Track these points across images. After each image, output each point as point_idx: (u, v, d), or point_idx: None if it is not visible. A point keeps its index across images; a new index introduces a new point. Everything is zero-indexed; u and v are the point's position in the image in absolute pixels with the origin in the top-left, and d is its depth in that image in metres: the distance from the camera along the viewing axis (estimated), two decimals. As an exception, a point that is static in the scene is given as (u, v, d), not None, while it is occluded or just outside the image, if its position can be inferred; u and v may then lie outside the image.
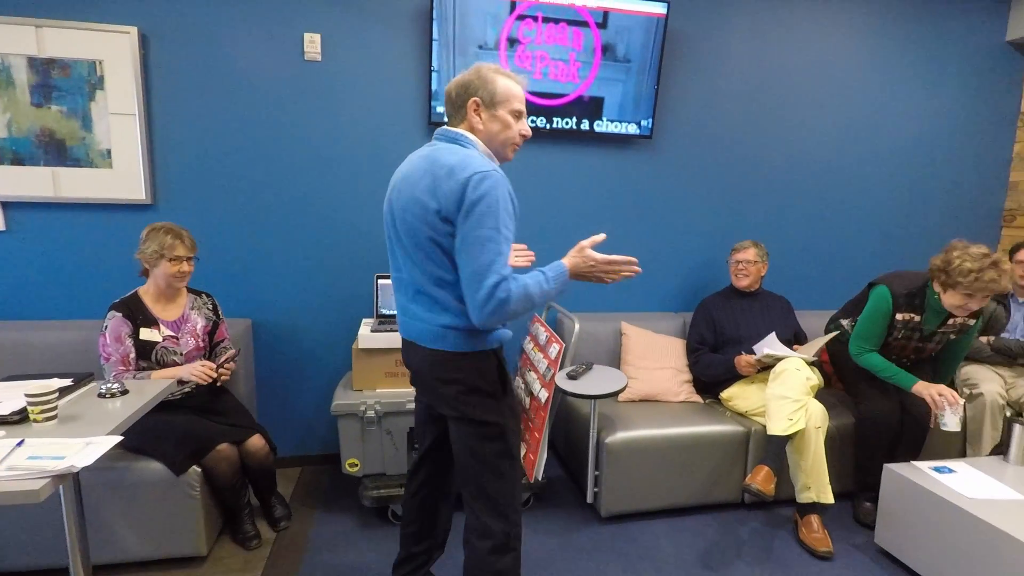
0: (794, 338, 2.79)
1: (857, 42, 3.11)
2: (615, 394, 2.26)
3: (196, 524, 2.02)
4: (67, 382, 1.73)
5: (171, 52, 2.45)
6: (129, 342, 2.06)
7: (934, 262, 2.27)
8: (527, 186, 2.88)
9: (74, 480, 1.56)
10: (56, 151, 2.40)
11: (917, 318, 2.36)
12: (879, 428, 2.41)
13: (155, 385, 1.85)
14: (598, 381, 2.33)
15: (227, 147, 2.55)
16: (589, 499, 2.40)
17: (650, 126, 2.85)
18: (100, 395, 1.71)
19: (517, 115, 1.51)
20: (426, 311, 1.49)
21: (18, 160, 2.38)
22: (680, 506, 2.48)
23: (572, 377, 2.33)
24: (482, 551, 1.56)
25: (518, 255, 1.64)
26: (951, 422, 2.18)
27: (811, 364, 2.44)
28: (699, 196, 3.09)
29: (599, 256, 1.51)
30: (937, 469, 2.20)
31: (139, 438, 1.97)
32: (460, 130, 1.50)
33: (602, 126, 2.80)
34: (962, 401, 2.20)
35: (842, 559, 2.23)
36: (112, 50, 2.38)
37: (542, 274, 1.45)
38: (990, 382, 2.68)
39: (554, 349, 2.37)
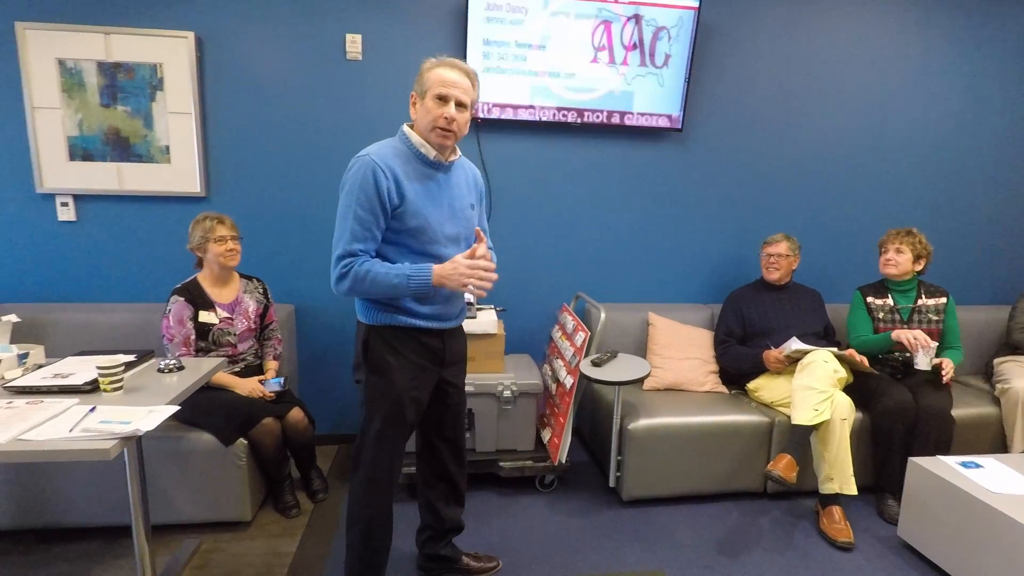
0: (824, 332, 2.78)
1: (895, 30, 3.06)
2: (637, 381, 2.33)
3: (242, 491, 2.20)
4: (131, 357, 1.91)
5: (224, 54, 2.63)
6: (190, 324, 2.24)
7: None
8: (558, 179, 2.96)
9: (137, 444, 1.73)
10: (121, 148, 2.61)
11: (889, 301, 2.71)
12: (894, 421, 2.42)
13: (208, 363, 2.02)
14: (621, 368, 2.40)
15: (274, 143, 2.72)
16: (611, 483, 2.47)
17: (681, 119, 2.88)
18: (159, 370, 1.89)
19: (440, 100, 1.56)
20: None
21: (88, 156, 2.60)
22: (701, 493, 2.53)
23: (596, 364, 2.40)
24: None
25: (471, 271, 1.55)
26: (923, 362, 2.44)
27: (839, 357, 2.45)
28: (730, 188, 3.11)
29: (464, 263, 1.55)
30: (964, 464, 2.18)
31: (192, 411, 2.15)
32: (404, 124, 1.66)
33: (633, 119, 2.85)
34: (934, 345, 2.46)
35: (864, 551, 2.25)
36: (171, 54, 2.57)
37: (405, 270, 1.54)
38: (1021, 378, 2.64)
39: (580, 337, 2.46)
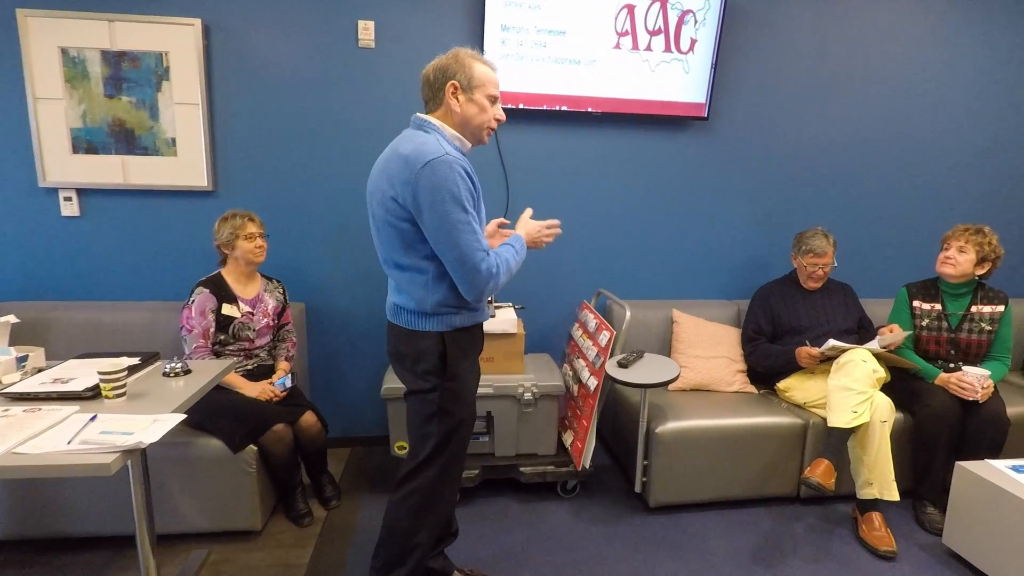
0: (857, 326, 2.65)
1: (932, 14, 2.91)
2: (668, 383, 2.22)
3: (252, 500, 2.10)
4: (135, 360, 1.82)
5: (231, 42, 2.52)
6: (211, 317, 2.19)
7: None
8: (578, 170, 2.83)
9: (141, 454, 1.63)
10: (126, 140, 2.51)
11: (938, 306, 2.47)
12: (940, 426, 2.28)
13: (216, 365, 1.92)
14: (650, 369, 2.29)
15: (284, 135, 2.61)
16: (638, 489, 2.36)
17: (707, 107, 2.75)
18: (165, 374, 1.79)
19: (492, 100, 1.57)
20: (391, 288, 1.64)
21: (92, 149, 2.50)
22: (732, 498, 2.42)
23: (623, 365, 2.29)
24: (397, 497, 1.67)
25: (549, 230, 1.74)
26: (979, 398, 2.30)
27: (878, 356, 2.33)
28: (757, 179, 2.97)
29: (540, 223, 1.72)
30: (1015, 468, 2.06)
31: (200, 415, 2.06)
32: (427, 117, 1.56)
33: (656, 107, 2.72)
34: (986, 373, 2.28)
35: (906, 559, 2.13)
36: (177, 42, 2.46)
37: (511, 247, 1.59)
38: None
39: (604, 336, 2.34)
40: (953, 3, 2.92)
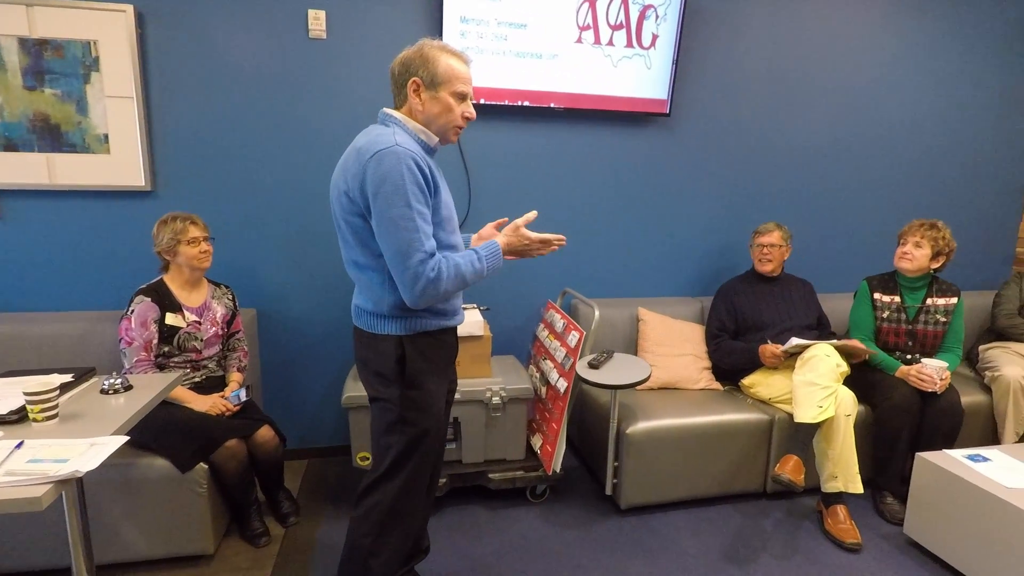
0: (817, 323, 2.70)
1: (883, 13, 2.98)
2: (640, 383, 2.19)
3: (203, 522, 1.95)
4: (68, 378, 1.65)
5: (170, 31, 2.34)
6: (154, 327, 2.02)
7: None
8: (539, 167, 2.77)
9: (78, 483, 1.48)
10: (51, 136, 2.30)
11: (897, 299, 2.54)
12: (902, 419, 2.34)
13: (160, 380, 1.77)
14: (621, 370, 2.25)
15: (229, 130, 2.45)
16: (608, 491, 2.33)
17: (668, 103, 2.74)
18: (103, 391, 1.63)
19: (460, 97, 1.46)
20: (355, 290, 1.57)
21: (11, 146, 2.28)
22: (701, 496, 2.41)
23: (594, 366, 2.25)
24: (358, 513, 1.57)
25: (543, 244, 1.57)
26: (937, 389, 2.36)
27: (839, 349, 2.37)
28: (718, 175, 2.98)
29: (533, 235, 1.54)
30: (971, 457, 2.12)
31: (145, 433, 1.89)
32: (391, 112, 1.48)
33: (618, 103, 2.69)
34: (943, 364, 2.36)
35: (870, 550, 2.17)
36: (107, 30, 2.27)
37: (475, 253, 1.46)
38: (1011, 365, 2.62)
39: (573, 337, 2.29)
40: (908, 5, 3.00)
